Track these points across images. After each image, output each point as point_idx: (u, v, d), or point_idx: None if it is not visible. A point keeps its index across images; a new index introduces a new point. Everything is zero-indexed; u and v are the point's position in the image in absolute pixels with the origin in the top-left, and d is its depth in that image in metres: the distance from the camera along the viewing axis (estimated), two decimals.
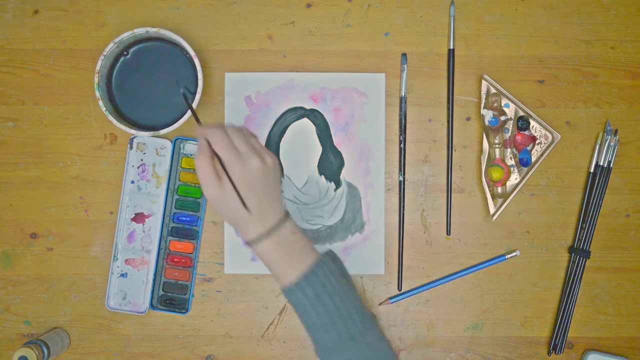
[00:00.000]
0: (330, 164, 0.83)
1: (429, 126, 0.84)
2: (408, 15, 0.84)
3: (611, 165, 0.83)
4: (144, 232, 0.82)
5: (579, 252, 0.83)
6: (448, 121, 0.84)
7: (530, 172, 0.82)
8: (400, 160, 0.83)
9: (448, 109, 0.84)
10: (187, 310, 0.82)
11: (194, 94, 0.73)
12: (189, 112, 0.77)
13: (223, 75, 0.83)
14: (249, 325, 0.83)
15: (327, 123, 0.83)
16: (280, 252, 0.64)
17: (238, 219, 0.64)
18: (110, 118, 0.77)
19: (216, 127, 0.63)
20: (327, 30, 0.84)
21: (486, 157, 0.82)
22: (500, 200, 0.82)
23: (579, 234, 0.83)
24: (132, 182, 0.82)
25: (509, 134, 0.82)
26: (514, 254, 0.83)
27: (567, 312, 0.83)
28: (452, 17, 0.84)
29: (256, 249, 0.65)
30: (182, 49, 0.80)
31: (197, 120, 0.66)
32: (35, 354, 0.73)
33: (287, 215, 0.66)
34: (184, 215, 0.83)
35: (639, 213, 0.84)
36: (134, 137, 0.82)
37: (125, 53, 0.80)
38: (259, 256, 0.65)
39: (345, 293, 0.65)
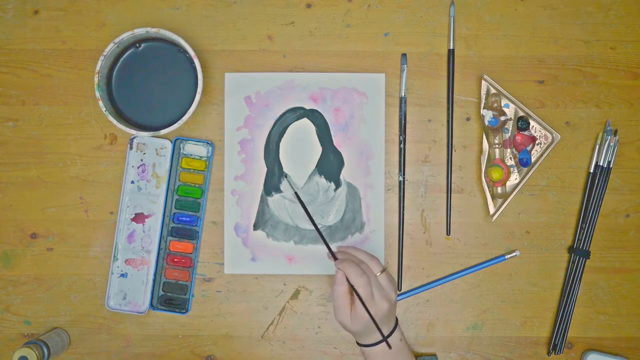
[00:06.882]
0: (330, 164, 0.83)
1: (429, 126, 0.84)
2: (408, 15, 0.84)
3: (611, 166, 0.83)
4: (144, 232, 0.82)
5: (578, 252, 0.83)
6: (448, 121, 0.84)
7: (530, 172, 0.82)
8: (400, 160, 0.83)
9: (448, 109, 0.84)
10: (187, 310, 0.83)
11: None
12: (190, 112, 0.77)
13: (223, 75, 0.83)
14: (249, 325, 0.83)
15: (327, 123, 0.83)
16: (391, 355, 0.75)
17: (363, 332, 0.73)
18: (110, 118, 0.77)
19: (353, 265, 0.71)
20: (327, 31, 0.84)
21: (486, 157, 0.82)
22: (500, 201, 0.82)
23: (579, 234, 0.83)
24: (132, 182, 0.82)
25: (509, 134, 0.82)
26: (514, 254, 0.83)
27: (567, 312, 0.83)
28: (452, 17, 0.84)
29: (371, 351, 0.74)
30: (182, 49, 0.80)
31: (334, 256, 0.74)
32: (35, 354, 0.73)
33: (396, 323, 0.76)
34: (184, 216, 0.83)
35: (639, 213, 0.84)
36: (134, 137, 0.82)
37: (124, 53, 0.80)
38: (370, 357, 0.75)
39: None
